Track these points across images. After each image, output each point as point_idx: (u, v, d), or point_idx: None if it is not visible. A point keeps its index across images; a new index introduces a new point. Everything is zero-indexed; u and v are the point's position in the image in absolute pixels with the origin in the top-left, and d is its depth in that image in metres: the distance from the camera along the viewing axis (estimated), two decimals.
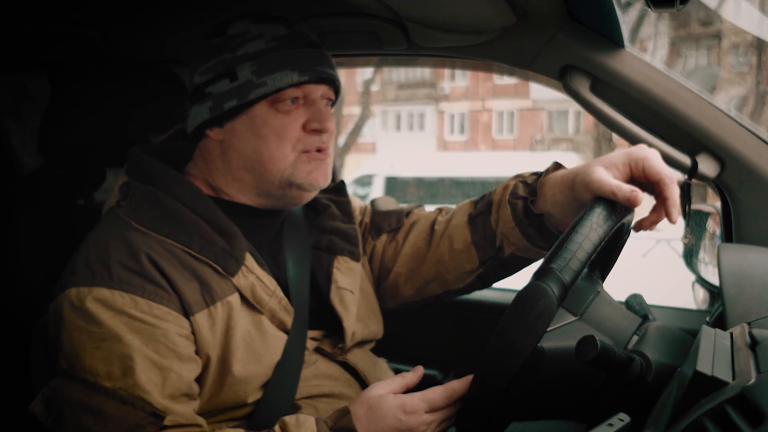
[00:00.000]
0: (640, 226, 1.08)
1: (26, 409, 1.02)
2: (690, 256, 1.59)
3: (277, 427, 1.04)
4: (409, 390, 1.08)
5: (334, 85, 1.21)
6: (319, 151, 1.17)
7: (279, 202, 1.22)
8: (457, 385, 1.04)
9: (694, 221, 1.57)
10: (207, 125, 1.18)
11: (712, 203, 1.54)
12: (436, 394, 1.04)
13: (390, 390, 1.06)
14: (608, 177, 1.05)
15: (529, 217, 1.19)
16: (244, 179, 1.18)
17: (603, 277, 1.18)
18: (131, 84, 1.52)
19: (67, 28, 1.68)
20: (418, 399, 1.03)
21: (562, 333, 0.99)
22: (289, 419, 1.04)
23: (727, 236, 1.42)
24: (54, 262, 1.17)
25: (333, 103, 1.25)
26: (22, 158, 2.09)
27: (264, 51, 1.14)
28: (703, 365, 0.71)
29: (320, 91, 1.18)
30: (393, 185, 10.41)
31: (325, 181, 1.19)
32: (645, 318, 1.14)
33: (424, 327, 1.86)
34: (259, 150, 1.14)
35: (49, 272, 1.16)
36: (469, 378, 1.01)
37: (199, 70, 1.18)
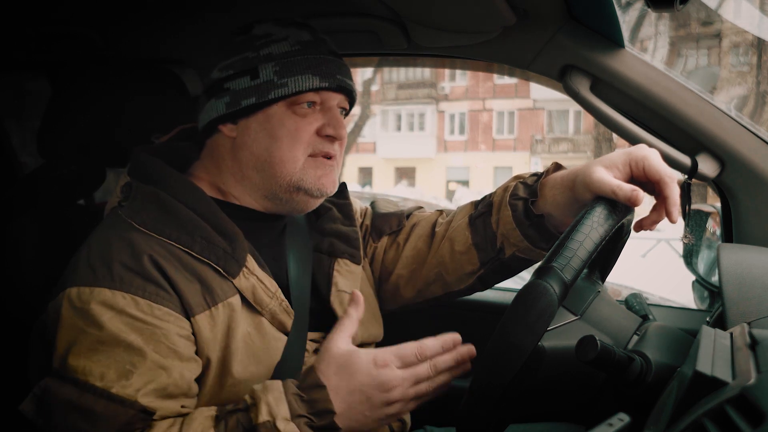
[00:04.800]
0: (640, 225, 1.08)
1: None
2: (690, 256, 1.59)
3: (247, 396, 1.03)
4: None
5: (351, 96, 1.22)
6: (328, 158, 1.18)
7: (285, 207, 1.21)
8: (431, 342, 1.04)
9: (694, 221, 1.57)
10: (221, 120, 1.18)
11: (712, 203, 1.54)
12: (407, 348, 1.03)
13: (347, 336, 1.06)
14: (609, 177, 1.05)
15: (530, 218, 1.19)
16: (252, 179, 1.18)
17: (603, 277, 1.18)
18: (131, 84, 1.52)
19: (67, 28, 1.68)
20: (389, 353, 1.03)
21: (562, 332, 0.99)
22: (257, 386, 1.03)
23: (727, 236, 1.42)
24: (54, 262, 1.17)
25: (346, 113, 1.26)
26: (22, 158, 2.09)
27: (288, 53, 1.15)
28: (703, 365, 0.71)
29: (337, 99, 1.19)
30: None
31: (333, 189, 1.20)
32: (645, 318, 1.14)
33: (424, 327, 1.85)
34: (271, 150, 1.15)
35: (49, 272, 1.16)
36: (444, 336, 1.01)
37: (219, 66, 1.19)
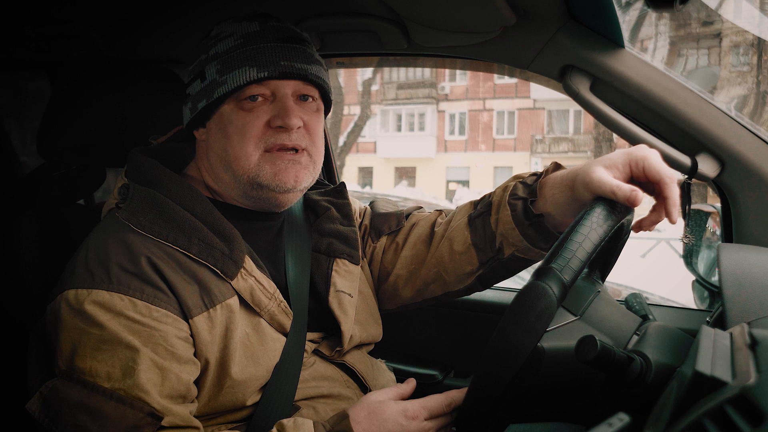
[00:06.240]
0: (640, 226, 1.08)
1: (24, 409, 1.02)
2: (690, 256, 1.59)
3: (274, 430, 1.04)
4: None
5: (308, 80, 1.16)
6: (291, 150, 1.14)
7: (260, 204, 1.20)
8: (456, 395, 1.07)
9: (694, 221, 1.58)
10: (192, 126, 1.20)
11: (712, 203, 1.54)
12: (436, 401, 1.07)
13: (388, 397, 1.09)
14: (608, 177, 1.05)
15: (529, 217, 1.19)
16: (224, 179, 1.18)
17: (603, 277, 1.18)
18: (131, 84, 1.52)
19: (67, 28, 1.68)
20: (418, 405, 1.07)
21: (562, 333, 0.99)
22: (287, 422, 1.04)
23: (727, 236, 1.42)
24: (53, 263, 1.17)
25: (328, 100, 1.23)
26: (22, 158, 2.09)
27: (230, 49, 1.14)
28: (703, 365, 0.71)
29: (290, 87, 1.15)
30: None
31: (297, 183, 1.15)
32: (645, 318, 1.14)
33: (424, 327, 1.86)
34: (227, 149, 1.14)
35: (49, 273, 1.16)
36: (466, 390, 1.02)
37: (187, 72, 1.21)
